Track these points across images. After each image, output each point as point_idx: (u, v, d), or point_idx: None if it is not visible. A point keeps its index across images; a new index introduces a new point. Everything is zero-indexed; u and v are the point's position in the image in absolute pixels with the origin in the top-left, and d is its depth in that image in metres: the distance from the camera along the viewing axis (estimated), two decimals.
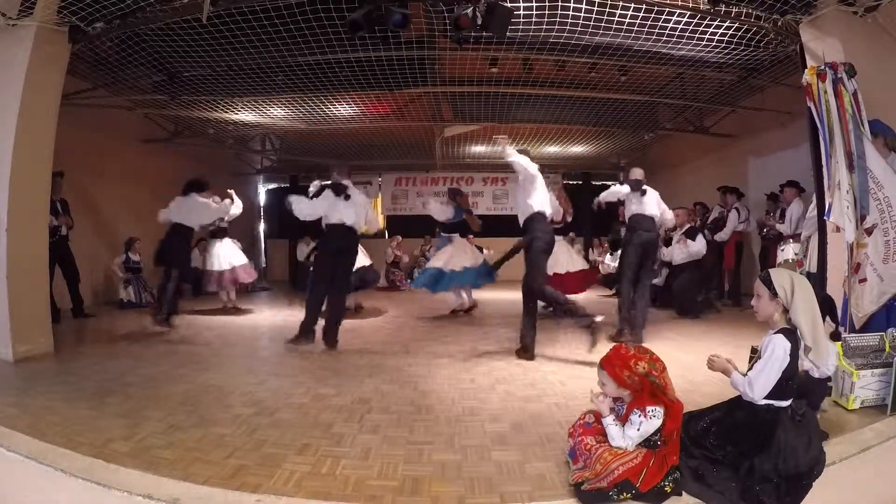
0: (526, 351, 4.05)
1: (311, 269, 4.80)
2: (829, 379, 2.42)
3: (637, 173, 4.77)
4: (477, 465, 2.14)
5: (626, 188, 4.80)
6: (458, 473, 2.06)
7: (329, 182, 4.54)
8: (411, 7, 3.96)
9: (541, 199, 4.11)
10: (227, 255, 6.75)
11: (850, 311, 3.04)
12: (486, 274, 6.23)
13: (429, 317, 6.28)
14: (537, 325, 4.17)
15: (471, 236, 9.29)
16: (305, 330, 4.28)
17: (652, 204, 4.67)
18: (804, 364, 2.03)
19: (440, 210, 6.28)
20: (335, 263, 4.42)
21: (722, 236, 6.83)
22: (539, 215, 4.07)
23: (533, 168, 4.12)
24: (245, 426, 2.55)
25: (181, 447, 2.27)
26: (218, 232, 6.83)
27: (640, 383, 1.89)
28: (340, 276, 4.46)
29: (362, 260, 5.98)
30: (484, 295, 8.80)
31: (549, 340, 4.63)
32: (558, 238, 5.30)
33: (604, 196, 5.10)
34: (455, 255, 6.09)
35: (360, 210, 4.51)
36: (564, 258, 6.12)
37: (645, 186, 4.70)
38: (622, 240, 5.11)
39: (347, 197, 4.40)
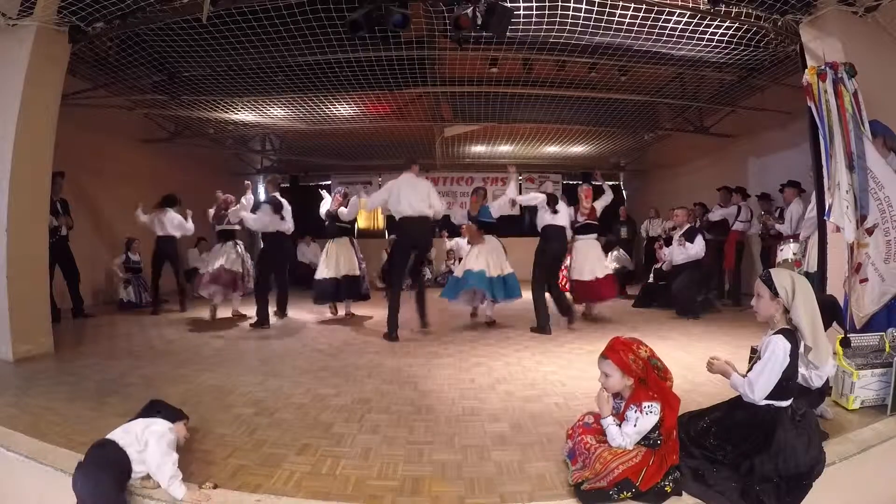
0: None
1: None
2: (826, 380, 2.42)
3: (549, 187, 5.69)
4: (477, 465, 2.14)
5: (542, 197, 5.38)
6: (458, 473, 2.06)
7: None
8: (411, 7, 3.96)
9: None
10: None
11: (850, 310, 3.04)
12: (509, 288, 5.35)
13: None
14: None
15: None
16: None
17: (564, 218, 5.35)
18: (802, 370, 2.03)
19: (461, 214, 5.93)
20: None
21: (713, 216, 6.96)
22: None
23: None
24: (245, 426, 2.55)
25: (181, 447, 2.27)
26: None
27: (643, 368, 1.92)
28: None
29: (322, 271, 6.03)
30: None
31: (549, 340, 4.64)
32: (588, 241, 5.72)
33: (522, 199, 5.69)
34: (481, 255, 5.35)
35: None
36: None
37: (559, 205, 5.32)
38: (537, 248, 5.31)
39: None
